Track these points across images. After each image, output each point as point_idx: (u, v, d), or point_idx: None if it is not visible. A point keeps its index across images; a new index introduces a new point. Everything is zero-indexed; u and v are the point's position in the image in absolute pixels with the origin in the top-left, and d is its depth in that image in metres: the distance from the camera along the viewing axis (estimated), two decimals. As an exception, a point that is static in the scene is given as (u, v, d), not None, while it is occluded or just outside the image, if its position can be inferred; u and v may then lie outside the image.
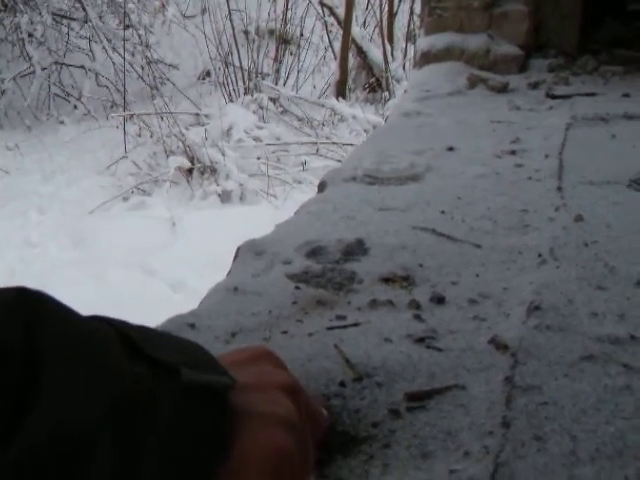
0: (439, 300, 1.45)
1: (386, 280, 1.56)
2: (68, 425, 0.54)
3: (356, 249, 1.73)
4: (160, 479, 0.61)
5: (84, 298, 5.25)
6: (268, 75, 11.45)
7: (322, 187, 2.32)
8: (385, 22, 11.64)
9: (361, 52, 11.51)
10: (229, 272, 1.67)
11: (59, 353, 0.57)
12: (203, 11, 12.42)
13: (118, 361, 0.61)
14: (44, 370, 0.55)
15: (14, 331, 0.55)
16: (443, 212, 1.98)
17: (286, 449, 0.69)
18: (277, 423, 0.71)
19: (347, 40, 10.85)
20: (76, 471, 0.54)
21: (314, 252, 1.71)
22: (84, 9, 11.65)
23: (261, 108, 9.95)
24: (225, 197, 7.98)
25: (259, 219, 5.65)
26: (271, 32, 12.09)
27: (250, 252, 1.71)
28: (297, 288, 1.51)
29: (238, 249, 1.74)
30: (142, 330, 0.69)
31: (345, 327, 1.34)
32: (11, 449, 0.51)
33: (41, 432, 0.53)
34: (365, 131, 9.13)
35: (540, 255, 1.68)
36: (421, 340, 1.29)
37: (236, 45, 11.27)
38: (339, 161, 7.42)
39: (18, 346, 0.55)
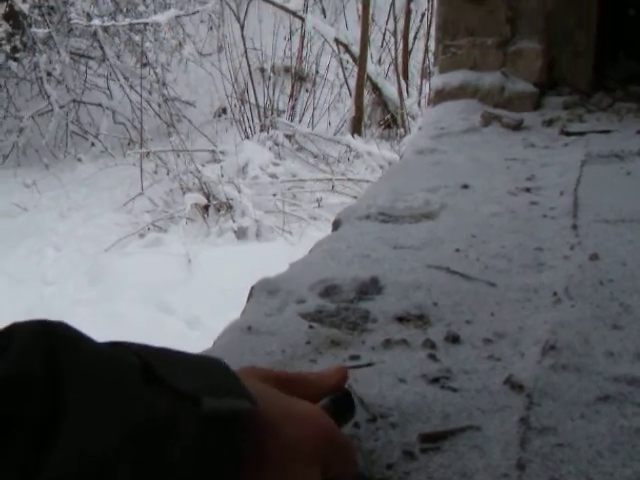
0: (454, 339, 1.45)
1: (400, 319, 1.56)
2: (90, 455, 0.55)
3: (370, 288, 1.73)
4: None
5: (101, 336, 5.25)
6: (284, 112, 11.50)
7: (336, 225, 2.32)
8: (400, 59, 11.69)
9: (376, 89, 11.55)
10: (243, 311, 1.67)
11: (81, 383, 0.57)
12: (219, 49, 12.51)
13: (138, 390, 0.61)
14: (66, 400, 0.55)
15: (37, 361, 0.56)
16: (458, 250, 1.98)
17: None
18: (304, 449, 0.72)
19: (362, 77, 10.90)
20: None
21: (328, 291, 1.71)
22: (102, 48, 11.77)
23: (277, 145, 10.00)
24: (241, 234, 8.00)
25: (275, 255, 5.66)
26: (287, 69, 12.16)
27: (264, 291, 1.71)
28: (311, 327, 1.51)
29: (252, 288, 1.74)
30: (162, 354, 0.69)
31: (359, 367, 1.33)
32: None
33: (65, 463, 0.53)
34: (380, 167, 9.15)
35: (555, 294, 1.68)
36: (436, 380, 1.28)
37: (252, 82, 11.34)
38: (354, 197, 7.43)
39: (41, 377, 0.55)
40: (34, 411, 0.54)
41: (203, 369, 0.72)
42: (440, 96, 4.15)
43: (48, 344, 0.58)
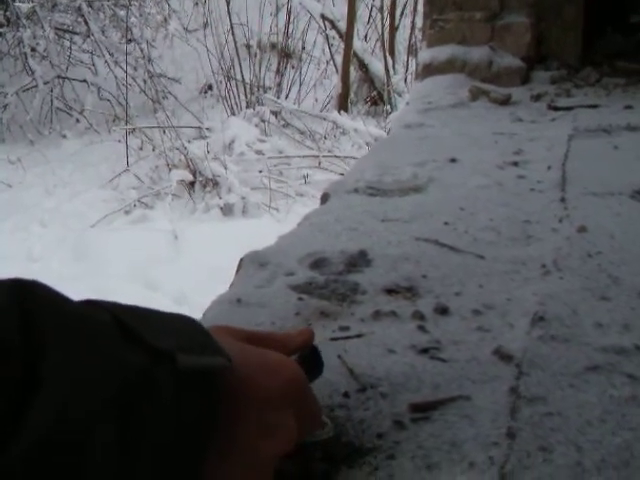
0: (443, 311, 1.45)
1: (389, 291, 1.56)
2: (73, 410, 0.54)
3: (359, 260, 1.73)
4: (159, 461, 0.61)
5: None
6: (270, 88, 11.46)
7: (325, 199, 2.32)
8: (387, 35, 11.66)
9: (363, 65, 11.52)
10: (232, 284, 1.66)
11: (58, 340, 0.57)
12: (205, 25, 12.45)
13: (115, 349, 0.61)
14: (45, 358, 0.55)
15: (12, 321, 0.55)
16: (446, 223, 1.98)
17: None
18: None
19: (349, 53, 10.87)
20: (82, 452, 0.54)
21: (317, 263, 1.71)
22: (86, 23, 11.68)
23: (263, 121, 9.97)
24: (227, 210, 7.98)
25: (261, 232, 5.64)
26: (273, 46, 12.11)
27: (253, 263, 1.70)
28: (300, 299, 1.51)
29: (241, 260, 1.73)
30: (135, 312, 0.68)
31: (349, 338, 1.33)
32: (20, 441, 0.51)
33: (46, 421, 0.53)
34: (367, 144, 9.13)
35: (544, 266, 1.68)
36: (425, 351, 1.28)
37: (238, 59, 11.29)
38: (341, 174, 7.42)
39: (17, 337, 0.55)
40: (12, 372, 0.53)
41: (176, 327, 0.71)
42: (428, 70, 4.14)
43: (24, 303, 0.57)
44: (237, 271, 1.71)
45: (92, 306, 0.65)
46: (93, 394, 0.56)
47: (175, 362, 0.64)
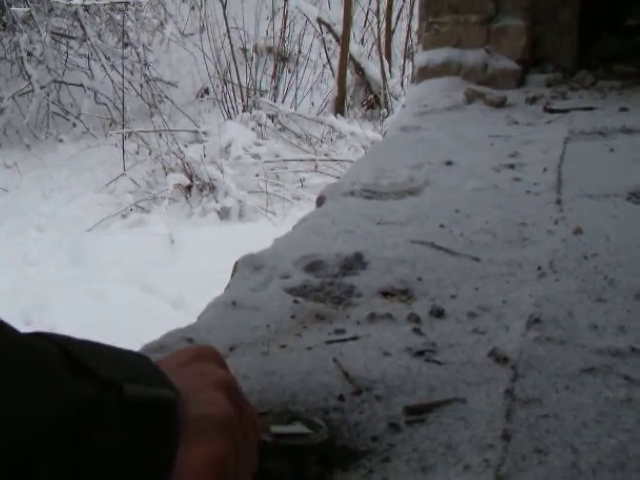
0: (438, 313, 1.45)
1: (385, 294, 1.56)
2: (11, 441, 0.54)
3: (355, 263, 1.72)
4: None
5: (83, 316, 5.25)
6: (266, 92, 11.46)
7: (321, 201, 2.31)
8: (383, 39, 11.66)
9: (359, 69, 11.53)
10: (227, 286, 1.66)
11: (6, 371, 0.57)
12: (201, 29, 12.44)
13: (60, 378, 0.61)
14: None
15: None
16: (442, 226, 1.98)
17: (224, 456, 0.69)
18: (213, 426, 0.70)
19: (345, 57, 10.87)
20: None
21: (313, 266, 1.71)
22: (83, 28, 11.67)
23: (259, 125, 9.97)
24: (224, 214, 7.98)
25: (258, 236, 5.64)
26: (269, 49, 12.11)
27: (248, 266, 1.70)
28: (296, 302, 1.50)
29: (236, 263, 1.73)
30: (85, 345, 0.68)
31: (344, 341, 1.33)
32: None
33: None
34: (363, 147, 9.13)
35: (539, 268, 1.68)
36: (420, 353, 1.28)
37: (234, 63, 11.29)
38: (338, 177, 7.42)
39: None
40: None
41: (124, 360, 0.71)
42: (424, 73, 4.15)
43: None
44: (232, 274, 1.71)
45: (40, 338, 0.65)
46: (37, 423, 0.56)
47: (122, 392, 0.65)
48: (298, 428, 0.99)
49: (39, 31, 11.39)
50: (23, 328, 0.63)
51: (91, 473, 0.59)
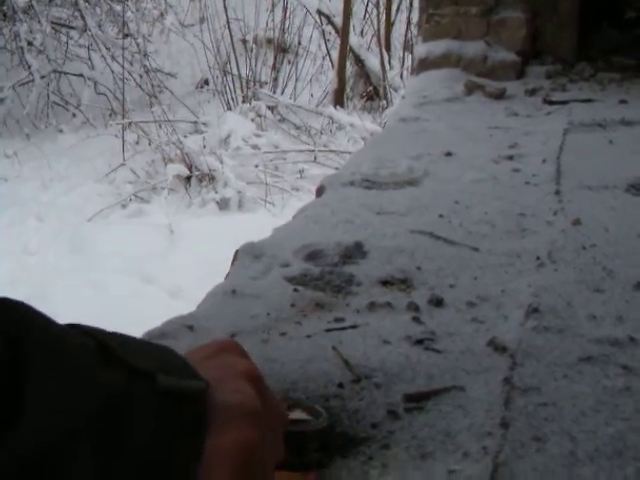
0: (437, 302, 1.45)
1: (384, 283, 1.56)
2: (50, 435, 0.55)
3: (354, 252, 1.73)
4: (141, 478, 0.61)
5: (83, 305, 5.25)
6: (266, 83, 11.44)
7: (320, 191, 2.32)
8: (382, 31, 11.65)
9: (359, 61, 11.51)
10: (227, 275, 1.66)
11: (43, 365, 0.57)
12: (201, 20, 12.42)
13: (96, 370, 0.62)
14: (28, 379, 0.55)
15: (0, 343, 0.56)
16: (441, 216, 1.98)
17: (252, 443, 0.70)
18: (241, 415, 0.71)
19: (345, 49, 10.85)
20: (62, 473, 0.54)
21: (312, 255, 1.71)
22: (83, 18, 11.65)
23: (259, 116, 9.95)
24: (223, 205, 7.97)
25: (257, 227, 5.63)
26: (269, 41, 12.09)
27: (249, 255, 1.71)
28: (295, 291, 1.51)
29: (236, 252, 1.74)
30: (117, 337, 0.69)
31: (344, 329, 1.34)
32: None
33: (25, 444, 0.53)
34: (363, 139, 9.12)
35: (538, 258, 1.68)
36: (419, 342, 1.28)
37: (234, 54, 11.27)
38: (337, 169, 7.41)
39: (4, 360, 0.55)
40: None
41: (155, 351, 0.72)
42: (423, 65, 4.14)
43: (10, 324, 0.58)
44: (233, 262, 1.72)
45: (74, 329, 0.66)
46: (74, 415, 0.57)
47: (156, 382, 0.65)
48: (298, 415, 0.99)
49: (39, 21, 11.37)
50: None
51: (124, 464, 0.60)
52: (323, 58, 12.19)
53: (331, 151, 9.19)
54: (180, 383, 0.68)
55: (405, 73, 11.13)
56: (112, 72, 11.33)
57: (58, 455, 0.54)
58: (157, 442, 0.63)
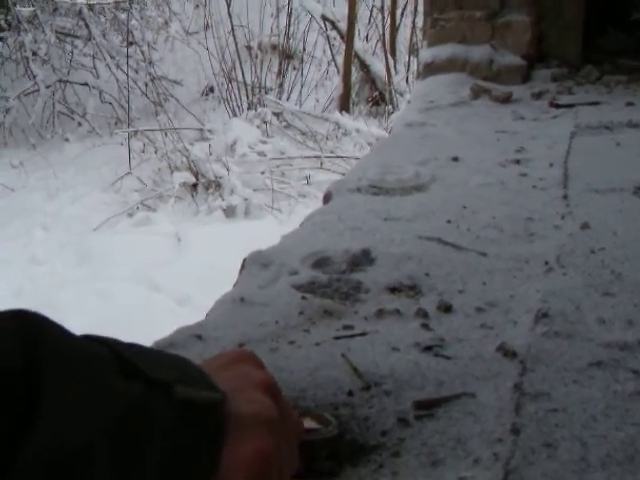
0: (446, 309, 1.45)
1: (393, 289, 1.56)
2: (66, 446, 0.55)
3: (362, 259, 1.73)
4: None
5: (90, 315, 5.25)
6: (271, 90, 11.45)
7: (327, 198, 2.32)
8: (387, 35, 11.66)
9: (364, 66, 11.51)
10: (236, 283, 1.66)
11: (58, 375, 0.57)
12: (206, 27, 12.45)
13: (113, 380, 0.62)
14: (44, 389, 0.55)
15: (15, 355, 0.56)
16: (449, 221, 1.98)
17: (269, 452, 0.70)
18: (258, 424, 0.71)
19: (350, 54, 10.86)
20: None
21: (320, 263, 1.71)
22: (87, 27, 11.68)
23: (265, 123, 9.96)
24: (230, 212, 7.98)
25: (264, 233, 5.63)
26: (274, 47, 12.10)
27: (256, 263, 1.71)
28: (304, 298, 1.51)
29: (244, 260, 1.73)
30: (133, 347, 0.69)
31: (352, 336, 1.33)
32: (17, 473, 0.52)
33: (43, 453, 0.53)
34: (369, 144, 9.12)
35: (547, 263, 1.68)
36: (429, 348, 1.28)
37: (239, 60, 11.28)
38: (343, 174, 7.41)
39: (20, 370, 0.55)
40: (14, 403, 0.54)
41: (172, 362, 0.73)
42: (429, 70, 4.14)
43: (27, 335, 0.58)
44: (241, 271, 1.71)
45: (91, 340, 0.66)
46: (90, 426, 0.57)
47: (173, 393, 0.65)
48: (308, 423, 0.99)
49: (44, 31, 11.40)
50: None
51: (141, 474, 0.60)
52: (328, 63, 12.20)
53: (337, 157, 9.19)
54: (197, 393, 0.68)
55: (411, 77, 11.13)
56: (117, 80, 11.35)
57: (74, 465, 0.54)
58: (175, 453, 0.64)
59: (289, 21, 11.89)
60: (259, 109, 10.20)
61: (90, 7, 11.42)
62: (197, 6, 13.35)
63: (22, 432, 0.53)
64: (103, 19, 12.05)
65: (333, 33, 11.78)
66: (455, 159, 2.62)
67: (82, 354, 0.61)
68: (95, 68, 11.94)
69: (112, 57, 11.57)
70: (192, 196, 8.45)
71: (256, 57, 11.44)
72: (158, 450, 0.62)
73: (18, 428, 0.53)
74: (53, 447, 0.54)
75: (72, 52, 12.14)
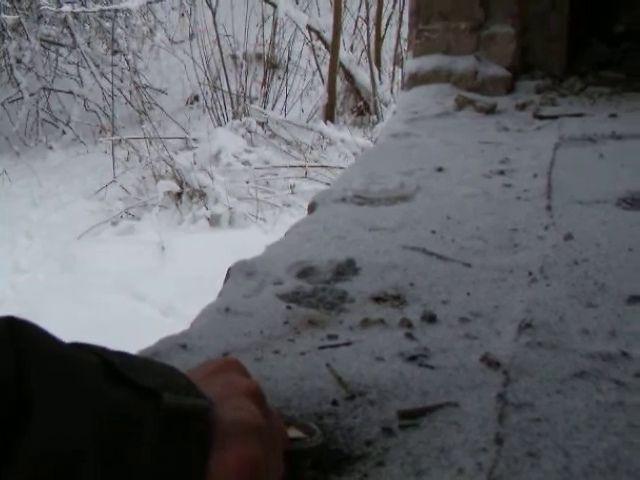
0: (430, 319, 1.45)
1: (377, 299, 1.56)
2: (55, 452, 0.55)
3: (347, 269, 1.73)
4: None
5: (74, 323, 5.23)
6: (256, 99, 11.46)
7: (312, 208, 2.32)
8: (372, 46, 11.69)
9: (349, 76, 11.54)
10: (220, 293, 1.66)
11: (47, 382, 0.57)
12: (191, 36, 12.46)
13: (101, 387, 0.62)
14: (34, 397, 0.55)
15: (7, 363, 0.56)
16: (433, 232, 1.98)
17: (257, 459, 0.70)
18: (245, 432, 0.72)
19: (335, 64, 10.89)
20: None
21: (305, 272, 1.71)
22: (72, 35, 11.67)
23: (249, 132, 9.97)
24: (214, 221, 7.98)
25: (248, 243, 5.64)
26: (259, 56, 12.12)
27: (241, 273, 1.71)
28: (288, 308, 1.51)
29: (229, 270, 1.74)
30: (122, 356, 0.70)
31: (337, 346, 1.34)
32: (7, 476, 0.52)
33: (30, 461, 0.53)
34: (354, 154, 9.14)
35: (530, 273, 1.69)
36: (413, 358, 1.28)
37: (224, 70, 11.30)
38: (328, 184, 7.42)
39: (11, 378, 0.55)
40: (4, 412, 0.54)
41: (159, 370, 0.73)
42: (414, 80, 4.16)
43: (16, 343, 0.58)
44: (225, 280, 1.72)
45: (79, 347, 0.66)
46: (79, 433, 0.57)
47: (161, 400, 0.66)
48: (292, 433, 0.99)
49: (28, 38, 11.38)
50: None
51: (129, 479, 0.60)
52: (313, 73, 12.23)
53: (322, 166, 9.21)
54: (185, 401, 0.68)
55: (395, 88, 11.17)
56: (102, 89, 11.35)
57: (63, 472, 0.55)
58: (162, 460, 0.64)
59: (274, 31, 11.92)
60: (244, 118, 10.21)
61: (75, 15, 11.41)
62: (182, 15, 13.37)
63: (12, 439, 0.53)
64: (88, 27, 12.05)
65: (318, 43, 11.81)
66: (440, 170, 2.63)
67: (71, 361, 0.62)
68: (80, 76, 11.95)
69: (97, 65, 11.57)
70: (176, 205, 8.44)
71: (241, 66, 11.46)
72: (146, 457, 0.62)
73: (8, 435, 0.53)
74: (43, 454, 0.54)
75: (57, 60, 12.14)
